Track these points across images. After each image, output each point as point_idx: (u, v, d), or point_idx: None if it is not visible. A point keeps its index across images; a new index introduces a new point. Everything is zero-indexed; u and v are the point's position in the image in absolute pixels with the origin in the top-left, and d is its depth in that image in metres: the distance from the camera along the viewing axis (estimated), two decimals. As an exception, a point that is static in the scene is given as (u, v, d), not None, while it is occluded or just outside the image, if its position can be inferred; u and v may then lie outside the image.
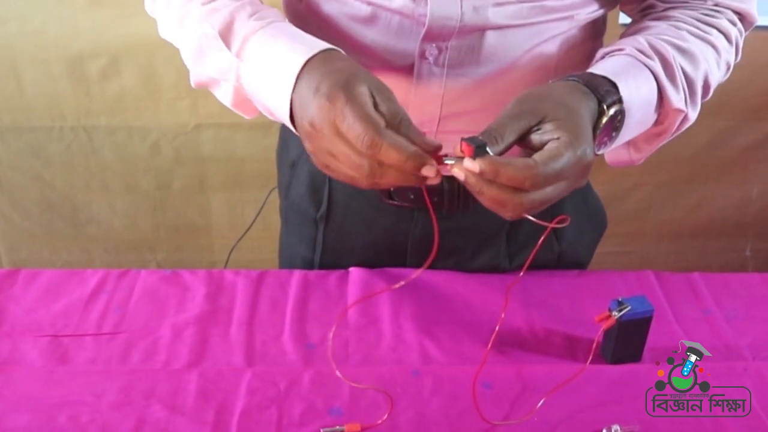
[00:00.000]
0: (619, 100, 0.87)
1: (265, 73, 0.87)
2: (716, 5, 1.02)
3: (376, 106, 0.78)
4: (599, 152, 0.89)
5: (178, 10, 0.97)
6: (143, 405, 0.96)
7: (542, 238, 0.87)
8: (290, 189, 1.28)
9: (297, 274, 1.18)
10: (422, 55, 0.99)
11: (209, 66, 0.94)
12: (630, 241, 2.53)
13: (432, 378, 1.00)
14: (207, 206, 2.39)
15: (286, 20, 0.94)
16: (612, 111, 0.86)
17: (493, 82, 1.01)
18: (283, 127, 1.27)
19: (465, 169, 0.77)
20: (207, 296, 1.13)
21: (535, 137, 0.81)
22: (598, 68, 0.92)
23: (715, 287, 1.19)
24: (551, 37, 1.01)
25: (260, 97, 0.90)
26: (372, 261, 1.20)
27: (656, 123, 0.98)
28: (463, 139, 0.78)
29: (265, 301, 1.13)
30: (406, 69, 1.00)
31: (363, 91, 0.78)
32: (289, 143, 1.27)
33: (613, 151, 1.03)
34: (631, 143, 1.02)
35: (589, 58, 1.06)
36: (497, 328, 0.97)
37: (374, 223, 1.18)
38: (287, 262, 1.35)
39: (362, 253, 1.22)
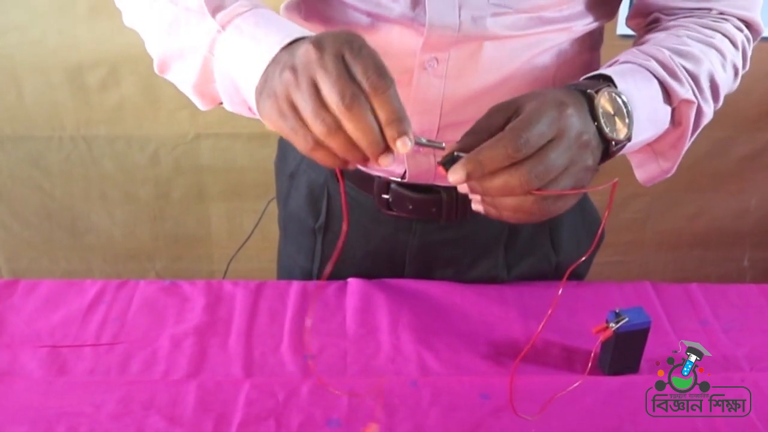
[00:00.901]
0: (608, 85, 0.84)
1: (249, 43, 0.81)
2: (721, 14, 1.02)
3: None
4: (621, 138, 0.83)
5: None
6: (142, 416, 0.96)
7: (607, 211, 0.83)
8: (289, 199, 1.28)
9: (296, 285, 1.18)
10: (421, 66, 0.99)
11: (181, 37, 0.89)
12: (628, 251, 2.53)
13: (430, 389, 1.00)
14: (206, 216, 2.39)
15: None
16: (603, 95, 0.82)
17: (492, 93, 1.02)
18: (282, 138, 1.28)
19: (456, 182, 0.75)
20: (206, 307, 1.13)
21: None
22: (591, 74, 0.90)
23: (712, 298, 1.19)
24: (549, 48, 1.01)
25: (232, 67, 0.84)
26: (370, 271, 1.20)
27: (674, 123, 0.95)
28: (438, 163, 0.77)
29: (263, 312, 1.13)
30: (405, 79, 1.01)
31: (361, 42, 0.73)
32: (287, 154, 1.28)
33: (644, 168, 1.02)
34: (657, 152, 1.00)
35: (586, 69, 1.06)
36: (540, 328, 0.94)
37: (372, 233, 1.19)
38: (285, 272, 1.36)
39: (361, 263, 1.21)
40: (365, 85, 0.70)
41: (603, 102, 0.82)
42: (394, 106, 0.70)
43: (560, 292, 0.88)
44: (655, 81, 0.91)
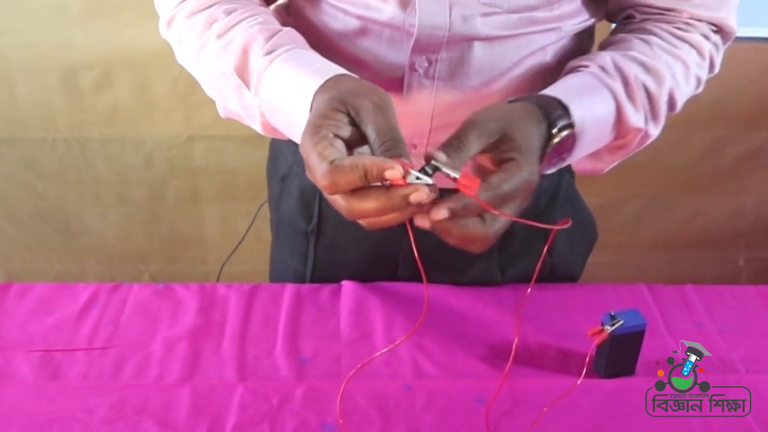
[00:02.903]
0: (570, 126, 0.89)
1: (280, 112, 0.89)
2: (692, 17, 1.02)
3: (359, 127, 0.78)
4: (546, 172, 0.92)
5: (195, 42, 0.98)
6: (135, 420, 0.95)
7: (548, 242, 0.91)
8: (281, 203, 1.28)
9: (289, 288, 1.18)
10: (412, 68, 0.99)
11: (233, 102, 0.96)
12: (624, 252, 2.53)
13: (425, 392, 1.00)
14: (200, 218, 2.38)
15: (299, 41, 0.95)
16: (560, 137, 0.88)
17: (483, 94, 1.02)
18: (273, 141, 1.28)
19: (432, 219, 0.78)
20: (199, 310, 1.13)
21: (493, 154, 0.82)
22: (556, 88, 0.93)
23: (707, 299, 1.19)
24: (539, 48, 1.01)
25: (284, 133, 0.92)
26: (363, 274, 1.20)
27: (617, 137, 0.98)
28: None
29: (257, 315, 1.13)
30: (397, 81, 1.00)
31: (323, 127, 0.77)
32: (279, 158, 1.27)
33: (578, 161, 1.04)
34: (594, 154, 1.01)
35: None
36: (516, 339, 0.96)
37: (365, 237, 1.18)
38: (278, 276, 1.35)
39: (353, 266, 1.21)
40: (326, 190, 0.76)
41: (555, 143, 0.88)
42: (351, 169, 0.74)
43: (529, 291, 0.88)
44: (613, 103, 0.94)
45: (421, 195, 0.74)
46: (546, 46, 1.02)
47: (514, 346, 1.00)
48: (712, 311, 1.16)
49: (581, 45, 1.08)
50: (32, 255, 2.45)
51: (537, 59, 1.03)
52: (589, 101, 0.92)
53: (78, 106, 2.16)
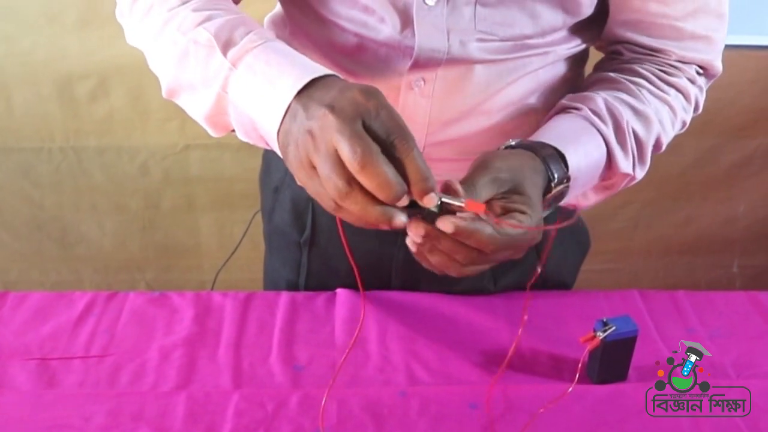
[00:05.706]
0: (566, 179, 0.91)
1: (263, 83, 0.82)
2: (680, 59, 1.05)
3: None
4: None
5: (164, 15, 0.93)
6: (131, 428, 0.96)
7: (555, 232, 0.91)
8: (273, 213, 1.28)
9: (284, 296, 1.18)
10: (408, 86, 1.00)
11: (192, 71, 0.90)
12: (618, 258, 2.54)
13: (419, 399, 1.00)
14: (196, 226, 2.39)
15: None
16: (557, 189, 0.90)
17: (478, 112, 1.03)
18: (266, 151, 1.28)
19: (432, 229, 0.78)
20: (195, 318, 1.13)
21: (502, 203, 0.83)
22: (550, 132, 0.95)
23: (699, 305, 1.19)
24: (533, 70, 1.03)
25: (247, 107, 0.85)
26: (356, 284, 1.19)
27: (604, 179, 1.02)
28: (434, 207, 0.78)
29: (252, 323, 1.13)
30: (392, 98, 1.01)
31: (378, 103, 0.74)
32: (272, 168, 1.28)
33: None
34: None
35: (570, 87, 1.07)
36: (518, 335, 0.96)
37: (358, 247, 1.18)
38: (271, 285, 1.35)
39: (347, 276, 1.20)
40: (353, 166, 0.71)
41: (550, 195, 0.90)
42: (419, 166, 0.73)
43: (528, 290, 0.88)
44: (604, 149, 0.97)
45: (398, 222, 0.76)
46: (540, 68, 1.03)
47: (512, 349, 1.01)
48: (703, 317, 1.17)
49: (575, 64, 1.10)
50: (28, 264, 2.45)
51: (531, 79, 1.04)
52: (583, 149, 0.94)
53: (73, 116, 2.17)
